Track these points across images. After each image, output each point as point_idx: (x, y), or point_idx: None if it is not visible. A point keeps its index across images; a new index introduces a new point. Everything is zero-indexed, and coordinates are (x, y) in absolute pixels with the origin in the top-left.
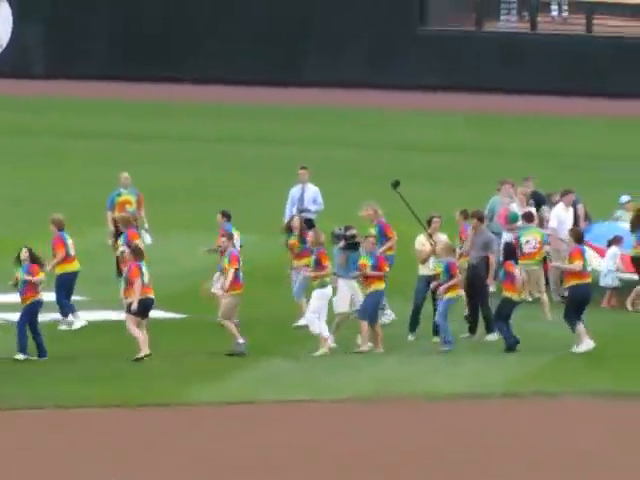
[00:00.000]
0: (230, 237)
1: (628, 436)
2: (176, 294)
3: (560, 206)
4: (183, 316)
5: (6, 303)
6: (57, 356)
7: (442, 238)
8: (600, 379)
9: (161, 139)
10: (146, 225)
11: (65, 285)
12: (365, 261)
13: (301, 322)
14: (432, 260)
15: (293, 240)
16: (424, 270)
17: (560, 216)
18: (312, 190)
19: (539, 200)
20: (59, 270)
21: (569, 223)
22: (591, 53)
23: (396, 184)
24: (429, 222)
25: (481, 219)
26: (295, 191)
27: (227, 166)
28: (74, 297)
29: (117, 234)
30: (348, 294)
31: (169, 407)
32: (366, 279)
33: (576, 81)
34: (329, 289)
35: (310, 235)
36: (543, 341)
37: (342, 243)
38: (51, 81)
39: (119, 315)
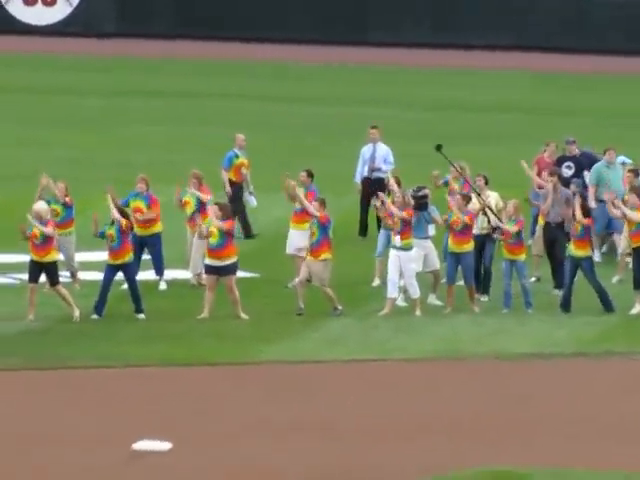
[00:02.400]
0: (322, 204)
1: None
2: (250, 253)
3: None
4: (255, 275)
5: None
6: (121, 315)
7: (494, 195)
8: None
9: (228, 98)
10: (251, 187)
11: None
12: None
13: (376, 283)
14: (479, 219)
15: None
16: (474, 229)
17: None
18: (383, 149)
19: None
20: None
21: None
22: None
23: (439, 147)
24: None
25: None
26: (366, 150)
27: (295, 127)
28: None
29: (233, 195)
30: (422, 253)
31: (237, 366)
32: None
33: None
34: (411, 251)
35: (398, 196)
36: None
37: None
38: (122, 39)
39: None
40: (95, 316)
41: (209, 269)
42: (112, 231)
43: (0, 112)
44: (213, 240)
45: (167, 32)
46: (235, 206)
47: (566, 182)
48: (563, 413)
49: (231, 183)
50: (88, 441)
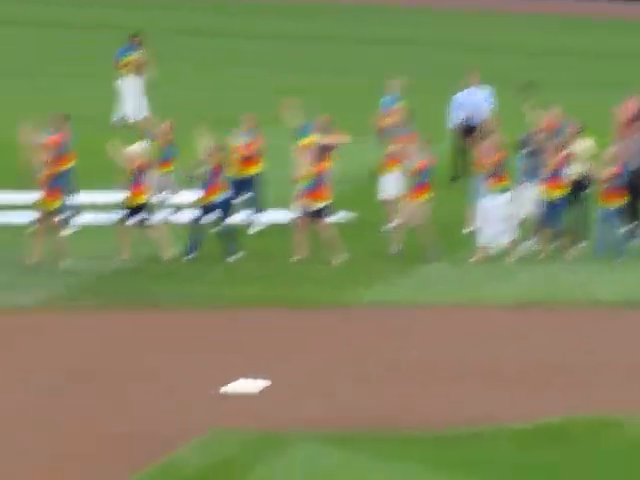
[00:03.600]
0: (412, 140)
1: None
2: (346, 196)
3: None
4: (351, 217)
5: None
6: (212, 255)
7: (588, 142)
8: None
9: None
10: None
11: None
12: None
13: (470, 228)
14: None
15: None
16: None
17: None
18: (484, 92)
19: None
20: (253, 170)
21: None
22: None
23: (527, 86)
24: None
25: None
26: (464, 95)
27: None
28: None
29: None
30: (533, 199)
31: (330, 308)
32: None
33: None
34: (504, 196)
35: (489, 142)
36: None
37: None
38: None
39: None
40: (190, 256)
41: (303, 212)
42: (203, 169)
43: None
44: (304, 182)
45: None
46: None
47: None
48: None
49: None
50: (180, 380)
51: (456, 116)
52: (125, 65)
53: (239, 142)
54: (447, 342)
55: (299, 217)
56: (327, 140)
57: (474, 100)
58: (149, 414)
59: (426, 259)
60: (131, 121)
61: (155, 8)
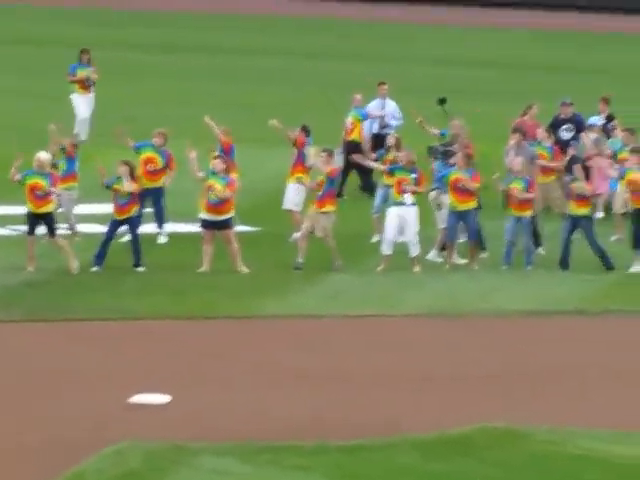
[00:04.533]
0: (330, 155)
1: None
2: (250, 208)
3: None
4: (255, 229)
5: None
6: (122, 268)
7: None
8: None
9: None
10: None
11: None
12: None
13: (375, 239)
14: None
15: (390, 157)
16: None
17: None
18: (392, 105)
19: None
20: (158, 183)
21: None
22: None
23: (442, 101)
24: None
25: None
26: (374, 106)
27: (292, 82)
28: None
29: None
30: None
31: (234, 319)
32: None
33: None
34: (405, 208)
35: (404, 154)
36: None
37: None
38: None
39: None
40: (95, 268)
41: (206, 223)
42: (119, 185)
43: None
44: (213, 196)
45: None
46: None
47: (565, 145)
48: (563, 370)
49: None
50: (87, 391)
51: (369, 127)
52: (76, 81)
53: (150, 154)
54: (352, 351)
55: (204, 229)
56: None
57: (388, 111)
58: (57, 425)
59: (332, 269)
60: (83, 138)
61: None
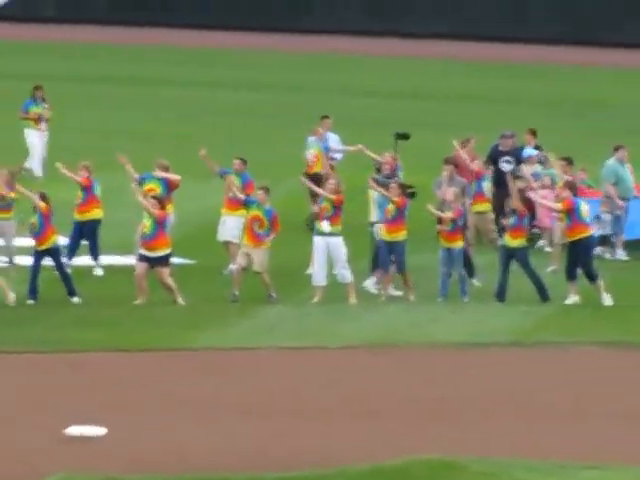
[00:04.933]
0: (267, 192)
1: (633, 386)
2: (183, 240)
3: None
4: (189, 262)
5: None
6: (58, 300)
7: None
8: (606, 329)
9: (165, 85)
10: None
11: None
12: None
13: (310, 270)
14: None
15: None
16: None
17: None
18: (333, 138)
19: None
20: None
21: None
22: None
23: (402, 136)
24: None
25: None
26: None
27: (225, 112)
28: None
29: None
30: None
31: (169, 352)
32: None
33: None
34: (340, 237)
35: (332, 183)
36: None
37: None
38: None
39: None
40: (30, 301)
41: (142, 258)
42: (34, 219)
43: None
44: (146, 230)
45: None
46: None
47: (504, 177)
48: (497, 401)
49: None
50: (21, 424)
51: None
52: (29, 118)
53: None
54: (288, 384)
55: (139, 263)
56: (169, 176)
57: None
58: None
59: (266, 301)
60: (36, 174)
61: None
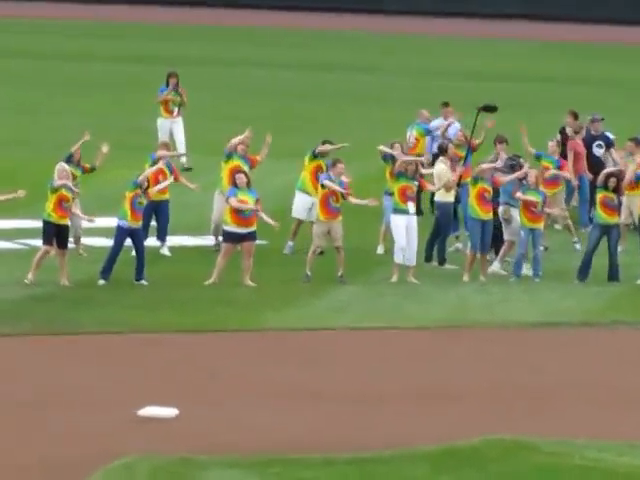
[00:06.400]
0: (335, 163)
1: None
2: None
3: None
4: (263, 242)
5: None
6: (127, 281)
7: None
8: None
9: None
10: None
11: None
12: None
13: (381, 250)
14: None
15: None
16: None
17: None
18: (455, 127)
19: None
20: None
21: None
22: None
23: (489, 108)
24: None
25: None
26: (438, 123)
27: (301, 94)
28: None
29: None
30: None
31: (241, 333)
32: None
33: None
34: (410, 218)
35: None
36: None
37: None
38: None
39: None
40: (102, 281)
41: (232, 236)
42: (142, 199)
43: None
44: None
45: None
46: None
47: (599, 162)
48: (569, 382)
49: None
50: (95, 405)
51: (430, 145)
52: None
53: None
54: (361, 366)
55: (226, 243)
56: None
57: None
58: (63, 440)
59: (338, 281)
60: None
61: None
